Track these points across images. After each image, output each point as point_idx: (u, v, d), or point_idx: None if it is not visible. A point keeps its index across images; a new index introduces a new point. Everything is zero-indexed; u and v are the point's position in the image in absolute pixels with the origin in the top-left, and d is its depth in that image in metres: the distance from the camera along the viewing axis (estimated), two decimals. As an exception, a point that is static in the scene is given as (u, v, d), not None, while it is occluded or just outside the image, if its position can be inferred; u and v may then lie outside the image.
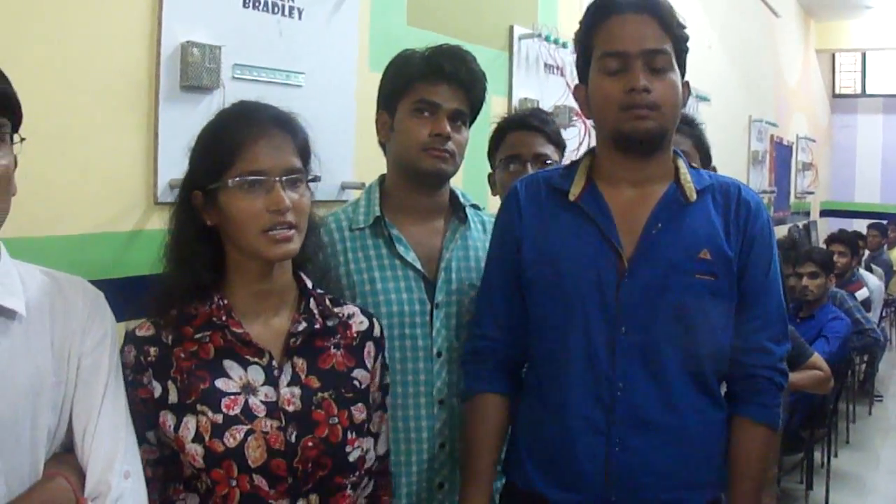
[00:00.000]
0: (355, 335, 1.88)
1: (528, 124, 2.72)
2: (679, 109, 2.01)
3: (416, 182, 2.23)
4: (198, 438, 1.66)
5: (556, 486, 2.00)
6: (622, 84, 1.93)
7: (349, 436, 1.77)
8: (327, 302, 1.86)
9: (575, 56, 2.13)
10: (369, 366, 1.87)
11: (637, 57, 1.92)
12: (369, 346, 1.89)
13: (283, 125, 1.75)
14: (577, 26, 2.08)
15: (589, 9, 2.04)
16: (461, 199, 2.31)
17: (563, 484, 1.99)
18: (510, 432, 2.15)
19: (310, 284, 1.85)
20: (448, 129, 2.16)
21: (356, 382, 1.83)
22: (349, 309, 1.91)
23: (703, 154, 2.82)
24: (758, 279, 2.01)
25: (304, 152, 1.78)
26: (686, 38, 2.03)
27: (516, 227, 2.08)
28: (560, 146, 2.74)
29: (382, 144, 2.31)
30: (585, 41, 2.03)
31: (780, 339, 2.05)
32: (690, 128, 2.81)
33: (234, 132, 1.70)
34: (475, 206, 2.36)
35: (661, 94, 1.93)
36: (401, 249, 2.19)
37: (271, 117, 1.74)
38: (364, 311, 1.95)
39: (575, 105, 2.25)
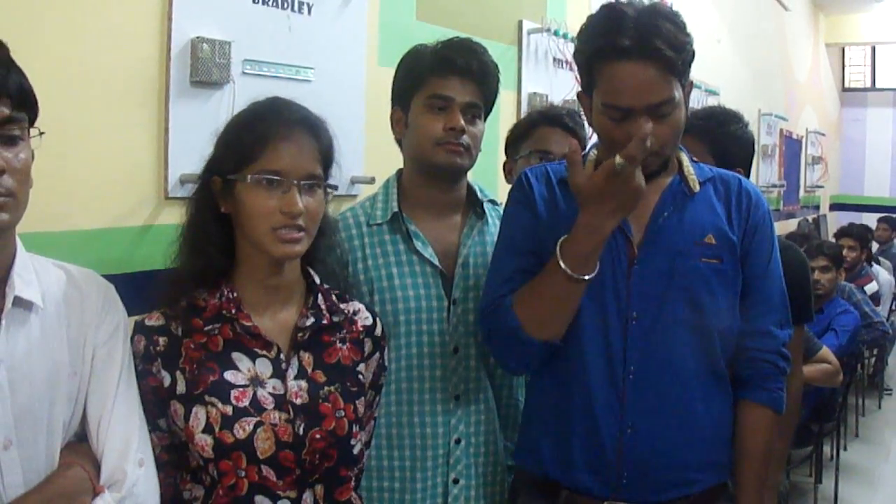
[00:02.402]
0: (361, 329, 1.90)
1: (563, 123, 2.73)
2: (680, 136, 2.02)
3: (432, 177, 2.23)
4: (208, 429, 1.68)
5: (570, 469, 2.03)
6: (625, 131, 1.90)
7: (354, 429, 1.80)
8: (334, 298, 1.88)
9: (576, 64, 2.10)
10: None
11: (641, 112, 1.90)
12: (368, 343, 1.91)
13: (311, 129, 1.76)
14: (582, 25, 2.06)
15: (591, 33, 1.98)
16: (479, 195, 2.31)
17: (576, 467, 2.02)
18: (522, 421, 2.19)
19: (318, 280, 1.87)
20: (462, 122, 2.16)
21: (360, 376, 1.86)
22: (354, 305, 1.93)
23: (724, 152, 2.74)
24: (760, 266, 2.08)
25: (327, 159, 1.80)
26: (692, 55, 1.97)
27: (532, 204, 2.09)
28: (584, 149, 2.74)
29: (398, 141, 2.31)
30: (586, 67, 1.99)
31: (782, 323, 2.12)
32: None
33: (261, 128, 1.72)
34: (493, 202, 2.36)
35: (663, 139, 1.94)
36: (418, 245, 2.20)
37: (300, 119, 1.76)
38: (369, 308, 1.97)
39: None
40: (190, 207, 1.80)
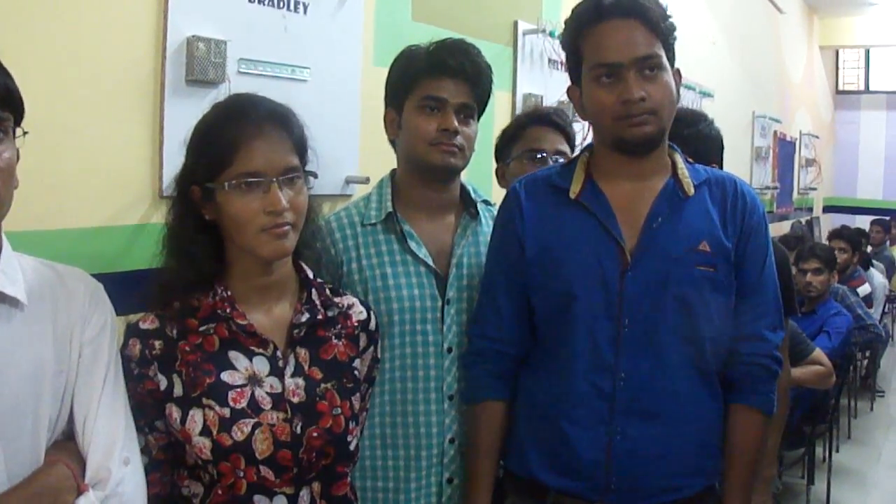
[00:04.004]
0: (356, 324, 1.89)
1: (552, 121, 2.76)
2: (675, 105, 2.04)
3: (426, 178, 2.23)
4: (205, 432, 1.67)
5: (557, 473, 2.04)
6: (616, 94, 1.95)
7: (350, 425, 1.79)
8: (327, 292, 1.87)
9: (564, 58, 2.14)
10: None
11: (629, 66, 1.94)
12: (363, 338, 1.91)
13: (280, 122, 1.74)
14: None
15: (574, 13, 2.05)
16: (472, 195, 2.31)
17: (563, 472, 2.03)
18: (511, 423, 2.18)
19: (310, 275, 1.86)
20: (455, 123, 2.16)
21: (356, 372, 1.86)
22: (348, 299, 1.93)
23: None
24: (755, 270, 2.07)
25: (301, 147, 1.77)
26: (674, 28, 2.03)
27: (518, 227, 2.10)
28: (573, 148, 2.77)
29: (392, 141, 2.31)
30: (574, 46, 2.06)
31: (776, 327, 2.11)
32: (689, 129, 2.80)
33: (229, 131, 1.69)
34: (486, 202, 2.37)
35: (657, 98, 1.96)
36: (413, 245, 2.20)
37: (267, 114, 1.73)
38: (363, 303, 1.96)
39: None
40: (171, 217, 1.78)
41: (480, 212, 2.31)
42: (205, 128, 1.75)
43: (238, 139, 1.68)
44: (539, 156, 2.69)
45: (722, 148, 2.91)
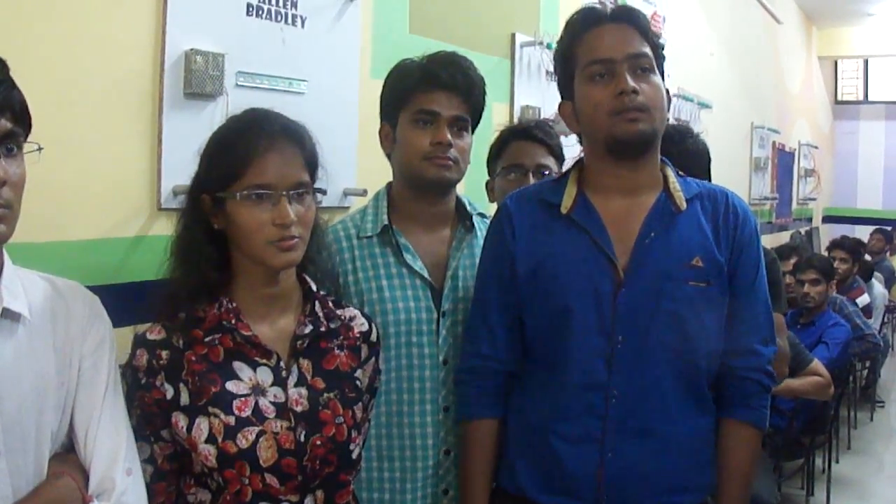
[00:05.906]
0: (357, 335, 1.92)
1: (532, 135, 2.75)
2: (665, 110, 2.05)
3: (421, 191, 2.24)
4: (211, 440, 1.70)
5: (548, 491, 2.02)
6: (610, 89, 1.97)
7: (353, 434, 1.81)
8: (330, 304, 1.90)
9: (556, 75, 2.18)
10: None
11: (622, 62, 1.97)
12: (364, 349, 1.93)
13: (293, 137, 1.78)
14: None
15: (567, 26, 2.10)
16: (468, 208, 2.32)
17: (555, 490, 2.02)
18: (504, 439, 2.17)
19: (314, 287, 1.89)
20: (448, 136, 2.16)
21: (358, 382, 1.88)
22: (350, 311, 1.95)
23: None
24: (746, 284, 2.06)
25: (312, 164, 1.81)
26: (662, 47, 2.07)
27: (509, 243, 2.10)
28: (560, 160, 2.77)
29: (388, 155, 2.32)
30: (567, 56, 2.09)
31: (767, 341, 2.10)
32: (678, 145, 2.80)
33: (244, 143, 1.73)
34: (482, 215, 2.37)
35: (649, 96, 1.98)
36: (408, 258, 2.20)
37: (282, 129, 1.77)
38: (364, 314, 1.99)
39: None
40: (180, 225, 1.81)
41: (476, 224, 2.32)
42: (220, 138, 1.79)
43: (252, 151, 1.72)
44: (518, 171, 2.70)
45: (709, 161, 2.92)
